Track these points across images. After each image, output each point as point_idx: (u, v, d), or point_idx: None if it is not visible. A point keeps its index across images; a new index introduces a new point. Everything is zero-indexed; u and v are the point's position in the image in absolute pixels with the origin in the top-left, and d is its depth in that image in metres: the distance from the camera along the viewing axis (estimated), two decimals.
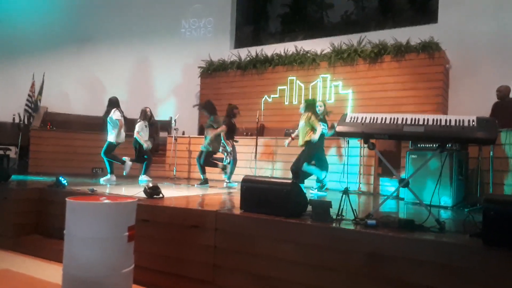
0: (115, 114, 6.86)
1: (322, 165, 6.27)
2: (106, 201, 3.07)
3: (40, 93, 10.46)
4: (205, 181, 6.79)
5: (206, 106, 7.10)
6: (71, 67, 12.80)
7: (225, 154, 7.02)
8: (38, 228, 5.05)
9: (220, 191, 6.03)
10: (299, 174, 6.04)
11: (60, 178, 5.20)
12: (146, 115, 7.39)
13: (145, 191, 4.45)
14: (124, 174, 7.13)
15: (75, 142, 8.93)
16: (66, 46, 12.90)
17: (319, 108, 6.33)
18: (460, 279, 2.56)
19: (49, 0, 13.39)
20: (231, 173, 6.93)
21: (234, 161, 6.98)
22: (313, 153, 6.08)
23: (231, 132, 6.98)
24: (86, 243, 2.83)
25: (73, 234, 2.88)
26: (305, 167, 5.94)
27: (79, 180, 6.76)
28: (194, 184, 7.06)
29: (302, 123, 6.10)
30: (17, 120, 9.80)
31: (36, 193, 5.16)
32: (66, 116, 10.24)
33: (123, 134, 6.99)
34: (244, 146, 7.68)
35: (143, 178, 7.18)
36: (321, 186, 6.05)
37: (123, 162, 7.07)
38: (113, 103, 7.00)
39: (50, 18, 13.17)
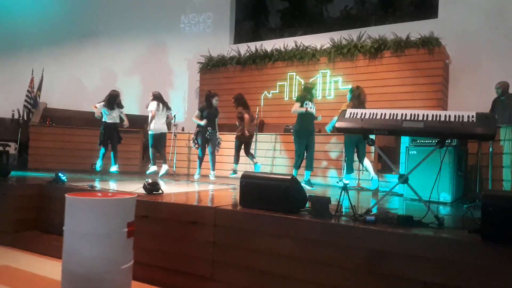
0: (150, 105, 7.27)
1: None
2: (106, 197, 3.07)
3: (39, 88, 10.45)
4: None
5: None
6: (71, 62, 12.78)
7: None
8: (37, 224, 5.06)
9: (219, 187, 6.04)
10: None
11: (60, 174, 5.19)
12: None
13: (144, 187, 4.46)
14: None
15: (74, 138, 8.93)
16: (65, 42, 12.87)
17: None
18: (458, 275, 2.56)
19: None
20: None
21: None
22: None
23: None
24: (85, 239, 2.83)
25: (72, 230, 2.88)
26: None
27: (79, 176, 6.76)
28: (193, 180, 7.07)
29: None
30: (16, 116, 9.79)
31: (36, 189, 5.15)
32: (65, 112, 10.24)
33: (157, 124, 7.28)
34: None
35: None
36: None
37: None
38: (155, 97, 7.36)
39: (49, 13, 13.13)
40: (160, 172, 7.26)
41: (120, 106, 7.56)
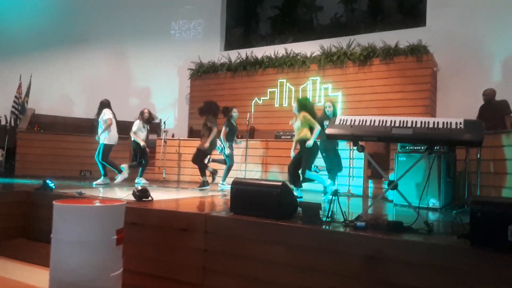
0: (106, 114, 6.86)
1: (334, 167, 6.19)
2: (94, 204, 3.04)
3: (27, 94, 10.32)
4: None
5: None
6: (60, 68, 12.67)
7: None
8: (24, 231, 4.97)
9: (210, 194, 6.01)
10: (296, 177, 5.83)
11: (47, 181, 5.13)
12: (143, 116, 7.52)
13: (134, 194, 4.42)
14: (115, 181, 7.02)
15: (62, 144, 8.84)
16: (54, 47, 12.77)
17: (328, 109, 6.25)
18: (448, 280, 2.58)
19: (37, 0, 13.25)
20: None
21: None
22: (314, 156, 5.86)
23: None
24: (73, 247, 2.80)
25: (60, 237, 2.85)
26: (308, 174, 5.68)
27: (67, 183, 6.68)
28: (191, 187, 7.02)
29: (298, 123, 5.79)
30: (3, 122, 9.68)
31: (23, 196, 5.08)
32: (53, 118, 10.12)
33: (116, 135, 7.00)
34: (234, 149, 7.66)
35: (140, 180, 7.32)
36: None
37: (121, 171, 7.05)
38: (104, 105, 7.00)
39: (38, 18, 13.03)
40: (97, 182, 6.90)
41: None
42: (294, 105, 6.04)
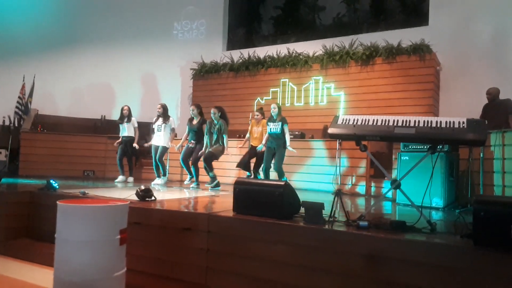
0: (172, 121, 7.72)
1: None
2: (98, 204, 3.05)
3: (30, 95, 10.36)
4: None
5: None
6: (62, 69, 12.70)
7: None
8: (28, 232, 5.00)
9: (212, 193, 6.02)
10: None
11: (51, 181, 5.15)
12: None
13: (137, 194, 4.43)
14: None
15: (66, 144, 8.87)
16: (57, 48, 12.80)
17: (273, 110, 6.66)
18: (451, 280, 2.58)
19: (40, 1, 13.29)
20: None
21: None
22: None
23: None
24: (77, 247, 2.81)
25: (64, 237, 2.86)
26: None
27: (70, 183, 6.70)
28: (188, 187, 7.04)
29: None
30: (7, 123, 9.71)
31: (27, 196, 5.10)
32: (57, 119, 10.17)
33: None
34: (237, 148, 7.68)
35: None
36: None
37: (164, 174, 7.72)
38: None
39: (41, 19, 13.06)
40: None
41: (128, 119, 7.87)
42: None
